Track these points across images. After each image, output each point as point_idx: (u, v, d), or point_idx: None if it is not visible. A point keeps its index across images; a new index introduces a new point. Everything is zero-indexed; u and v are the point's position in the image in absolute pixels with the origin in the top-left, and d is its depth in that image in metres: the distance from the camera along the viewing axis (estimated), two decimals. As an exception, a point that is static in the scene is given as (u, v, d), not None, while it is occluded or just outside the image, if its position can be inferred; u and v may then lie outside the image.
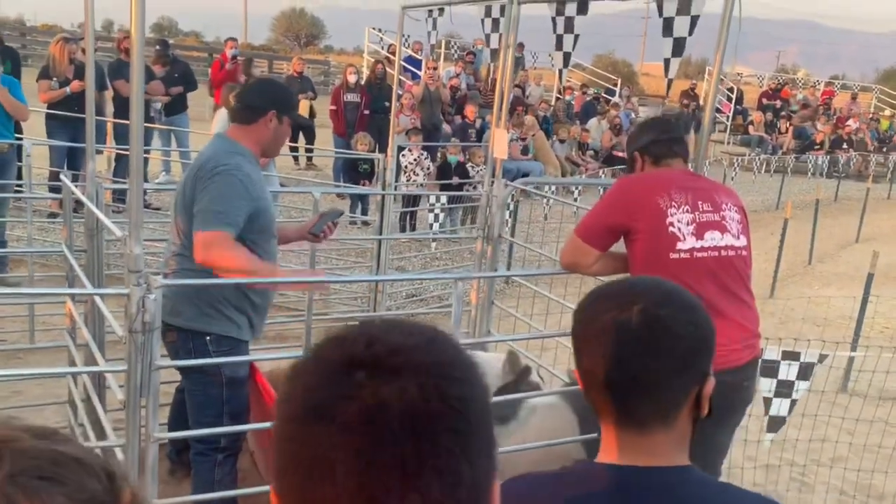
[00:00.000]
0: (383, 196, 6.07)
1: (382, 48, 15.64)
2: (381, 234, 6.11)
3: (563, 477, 1.25)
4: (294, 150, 11.41)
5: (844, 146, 18.32)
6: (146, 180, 8.92)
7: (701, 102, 17.82)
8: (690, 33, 3.31)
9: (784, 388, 3.48)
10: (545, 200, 8.74)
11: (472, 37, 16.21)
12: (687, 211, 2.81)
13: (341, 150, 10.17)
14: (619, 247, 3.02)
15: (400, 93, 10.76)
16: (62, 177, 3.49)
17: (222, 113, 8.59)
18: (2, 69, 6.67)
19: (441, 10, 5.29)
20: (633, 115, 16.52)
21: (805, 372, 3.46)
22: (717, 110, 19.29)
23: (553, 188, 9.34)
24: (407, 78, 13.54)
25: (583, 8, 4.02)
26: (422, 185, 9.23)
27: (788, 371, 3.44)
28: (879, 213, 14.11)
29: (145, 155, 8.88)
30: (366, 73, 13.27)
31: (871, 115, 21.18)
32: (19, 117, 6.69)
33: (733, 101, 19.57)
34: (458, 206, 8.62)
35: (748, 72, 29.55)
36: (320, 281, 3.60)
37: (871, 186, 13.28)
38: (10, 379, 2.58)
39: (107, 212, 3.47)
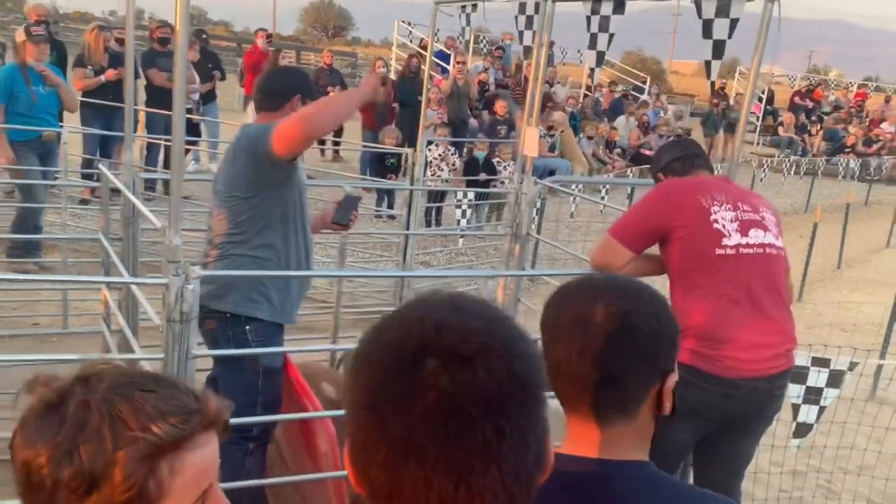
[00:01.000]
0: (411, 191, 6.09)
1: (412, 41, 15.63)
2: (407, 228, 6.13)
3: None
4: (322, 142, 11.46)
5: (874, 147, 18.05)
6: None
7: (731, 102, 17.66)
8: (730, 36, 3.28)
9: (812, 395, 3.45)
10: (572, 199, 8.70)
11: (501, 31, 16.18)
12: (729, 209, 2.81)
13: (368, 144, 10.19)
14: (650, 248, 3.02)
15: (429, 87, 10.79)
16: (101, 166, 3.55)
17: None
18: (49, 60, 6.77)
19: (475, 6, 5.29)
20: (661, 114, 16.38)
21: (835, 380, 3.43)
22: (747, 110, 19.04)
23: (580, 186, 9.29)
24: (437, 73, 13.54)
25: (619, 7, 4.00)
26: (446, 180, 9.22)
27: (818, 378, 3.42)
28: (911, 217, 13.87)
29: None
30: (394, 65, 13.29)
31: (904, 118, 20.80)
32: (71, 109, 6.83)
33: (764, 102, 19.32)
34: (485, 203, 8.60)
35: (779, 72, 29.17)
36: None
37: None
38: (44, 363, 2.63)
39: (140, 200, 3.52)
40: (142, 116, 8.22)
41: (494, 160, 9.49)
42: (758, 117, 19.60)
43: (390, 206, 9.06)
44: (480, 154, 9.34)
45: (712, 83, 3.53)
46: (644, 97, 16.38)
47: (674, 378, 1.25)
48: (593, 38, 4.14)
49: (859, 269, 10.64)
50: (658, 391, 1.23)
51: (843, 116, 19.77)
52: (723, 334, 2.69)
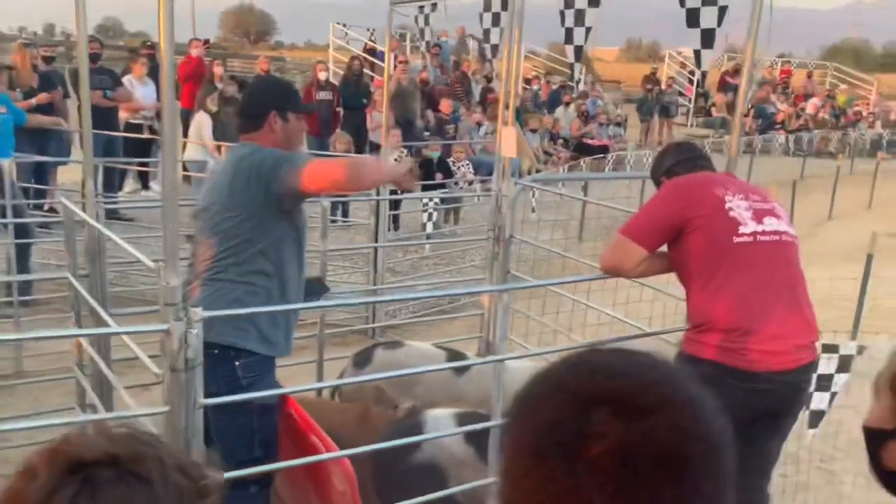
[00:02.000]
0: (378, 201, 5.89)
1: (347, 43, 15.35)
2: (376, 239, 5.94)
3: None
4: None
5: (798, 121, 18.62)
6: (119, 191, 8.60)
7: (663, 87, 17.95)
8: (719, 24, 3.22)
9: (824, 382, 3.43)
10: (531, 194, 8.61)
11: (455, 29, 15.97)
12: (742, 199, 2.81)
13: (314, 152, 9.92)
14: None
15: (372, 90, 10.56)
16: (63, 199, 3.25)
17: (200, 118, 8.29)
18: None
19: (434, 6, 5.14)
20: (599, 102, 16.53)
21: (845, 364, 3.42)
22: (679, 93, 19.43)
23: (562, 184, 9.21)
24: (380, 74, 13.32)
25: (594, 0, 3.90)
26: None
27: (828, 365, 3.40)
28: (845, 188, 14.31)
29: (123, 167, 8.52)
30: (332, 68, 13.00)
31: (827, 92, 21.56)
32: None
33: (695, 84, 19.76)
34: (442, 207, 8.44)
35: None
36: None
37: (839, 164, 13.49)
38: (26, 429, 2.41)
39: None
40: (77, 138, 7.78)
41: (449, 160, 9.35)
42: (690, 99, 20.00)
43: (345, 214, 8.82)
44: (434, 154, 9.18)
45: (703, 73, 3.47)
46: (581, 87, 16.48)
47: None
48: (569, 32, 4.03)
49: (809, 244, 10.89)
50: None
51: (768, 90, 20.26)
52: (746, 324, 2.66)
